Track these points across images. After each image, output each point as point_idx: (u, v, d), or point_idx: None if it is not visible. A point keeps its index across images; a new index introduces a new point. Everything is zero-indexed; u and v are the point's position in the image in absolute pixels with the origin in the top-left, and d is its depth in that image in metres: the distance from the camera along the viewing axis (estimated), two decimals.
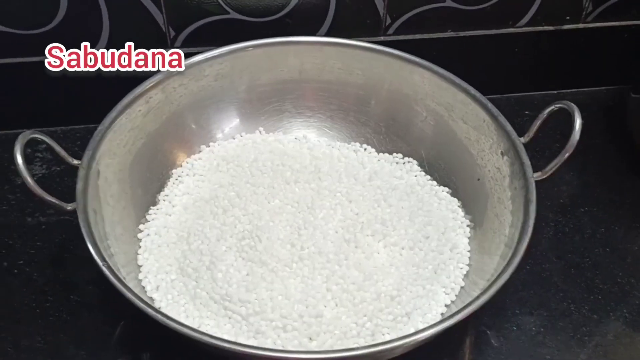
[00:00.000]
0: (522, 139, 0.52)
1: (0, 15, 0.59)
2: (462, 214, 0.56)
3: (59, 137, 0.66)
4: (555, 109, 0.50)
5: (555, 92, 0.75)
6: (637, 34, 0.71)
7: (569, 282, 0.56)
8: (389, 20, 0.66)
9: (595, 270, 0.57)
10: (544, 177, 0.49)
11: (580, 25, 0.70)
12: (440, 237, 0.53)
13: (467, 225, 0.55)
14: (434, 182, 0.59)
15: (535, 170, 0.50)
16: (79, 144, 0.65)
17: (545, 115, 0.51)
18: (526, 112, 0.72)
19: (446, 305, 0.49)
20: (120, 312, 0.50)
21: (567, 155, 0.48)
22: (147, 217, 0.55)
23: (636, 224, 0.61)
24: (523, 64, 0.72)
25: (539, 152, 0.61)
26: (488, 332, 0.52)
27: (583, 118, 0.63)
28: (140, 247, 0.52)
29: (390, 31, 0.67)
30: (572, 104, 0.50)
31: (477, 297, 0.42)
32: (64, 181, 0.62)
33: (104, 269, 0.44)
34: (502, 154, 0.53)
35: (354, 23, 0.66)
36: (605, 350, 0.51)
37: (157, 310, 0.42)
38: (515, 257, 0.44)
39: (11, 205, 0.60)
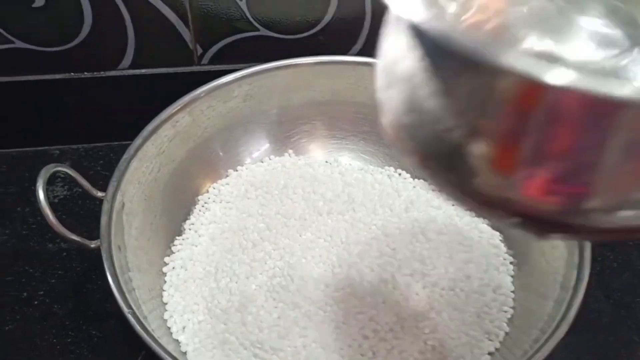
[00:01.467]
0: None
1: (24, 32, 0.57)
2: (505, 249, 0.53)
3: (81, 155, 0.64)
4: None
5: None
6: None
7: (619, 325, 0.52)
8: None
9: None
10: None
11: None
12: (483, 276, 0.50)
13: (510, 263, 0.52)
14: (473, 213, 0.56)
15: None
16: (102, 163, 0.63)
17: None
18: None
19: (490, 354, 0.46)
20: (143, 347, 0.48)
21: None
22: (173, 248, 0.52)
23: None
24: None
25: None
26: None
27: None
28: (165, 282, 0.50)
29: None
30: None
31: (537, 350, 0.39)
32: (86, 204, 0.59)
33: (130, 317, 0.41)
34: None
35: None
36: None
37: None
38: (570, 309, 0.41)
39: (31, 229, 0.57)
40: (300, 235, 0.52)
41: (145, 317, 0.42)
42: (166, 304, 0.48)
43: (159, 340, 0.40)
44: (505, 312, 0.49)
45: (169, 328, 0.47)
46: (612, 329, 0.52)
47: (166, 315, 0.47)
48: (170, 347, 0.42)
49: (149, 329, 0.41)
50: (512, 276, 0.51)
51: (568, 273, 0.45)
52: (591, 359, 0.50)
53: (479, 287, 0.49)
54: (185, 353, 0.45)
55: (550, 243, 0.49)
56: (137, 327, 0.40)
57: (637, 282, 0.55)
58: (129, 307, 0.41)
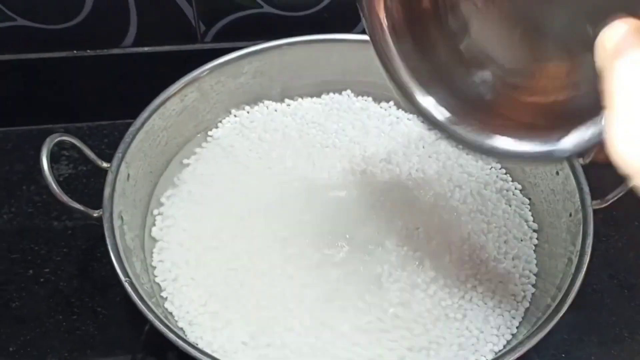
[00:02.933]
0: (582, 160, 0.48)
1: (25, 10, 0.56)
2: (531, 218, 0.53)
3: (85, 134, 0.64)
4: None
5: None
6: None
7: (622, 305, 0.52)
8: None
9: None
10: (603, 205, 0.45)
11: None
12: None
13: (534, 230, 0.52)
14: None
15: (593, 194, 0.46)
16: (106, 142, 0.63)
17: None
18: None
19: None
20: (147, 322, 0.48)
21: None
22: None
23: None
24: None
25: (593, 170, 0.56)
26: (534, 357, 0.49)
27: None
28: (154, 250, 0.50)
29: None
30: None
31: (522, 342, 0.40)
32: (90, 182, 0.60)
33: (127, 285, 0.42)
34: (557, 173, 0.49)
35: None
36: None
37: (180, 337, 0.40)
38: (565, 300, 0.41)
39: (37, 207, 0.58)
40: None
41: (143, 288, 0.43)
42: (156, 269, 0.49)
43: (155, 310, 0.40)
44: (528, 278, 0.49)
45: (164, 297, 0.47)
46: (615, 309, 0.52)
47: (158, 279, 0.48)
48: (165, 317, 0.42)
49: (146, 298, 0.41)
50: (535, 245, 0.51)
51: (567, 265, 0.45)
52: (595, 338, 0.50)
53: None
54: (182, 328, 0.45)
55: (556, 231, 0.49)
56: (133, 296, 0.41)
57: None
58: (127, 275, 0.41)
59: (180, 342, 0.39)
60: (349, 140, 0.57)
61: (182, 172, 0.55)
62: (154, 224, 0.51)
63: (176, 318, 0.46)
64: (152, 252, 0.50)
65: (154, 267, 0.49)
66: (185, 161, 0.55)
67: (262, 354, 0.44)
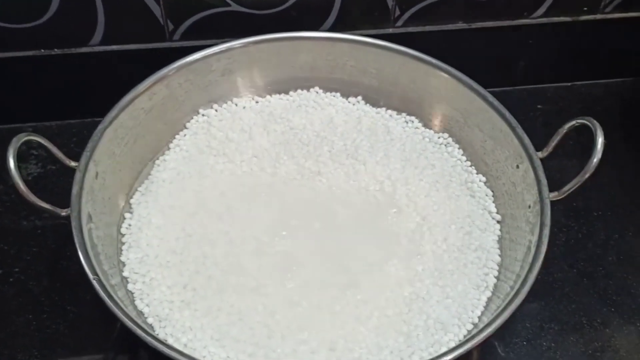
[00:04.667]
0: (540, 154, 0.50)
1: None
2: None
3: (54, 132, 0.64)
4: (577, 124, 0.48)
5: (569, 84, 0.72)
6: None
7: (581, 293, 0.54)
8: (398, 12, 0.63)
9: (608, 280, 0.55)
10: (560, 197, 0.47)
11: (598, 16, 0.67)
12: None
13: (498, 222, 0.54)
14: None
15: (550, 187, 0.48)
16: (75, 140, 0.63)
17: (565, 131, 0.49)
18: (539, 106, 0.69)
19: None
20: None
21: (587, 175, 0.46)
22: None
23: None
24: (537, 56, 0.69)
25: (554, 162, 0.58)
26: (497, 345, 0.51)
27: (596, 111, 0.61)
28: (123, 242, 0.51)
29: (400, 23, 0.64)
30: (595, 121, 0.47)
31: (481, 329, 0.41)
32: (60, 180, 0.59)
33: (95, 282, 0.42)
34: (517, 167, 0.50)
35: (362, 14, 0.63)
36: None
37: (149, 333, 0.41)
38: (522, 288, 0.43)
39: (6, 207, 0.58)
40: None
41: (112, 286, 0.43)
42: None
43: (124, 308, 0.41)
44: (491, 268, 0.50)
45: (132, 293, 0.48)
46: (575, 298, 0.54)
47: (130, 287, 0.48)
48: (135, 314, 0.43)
49: (114, 295, 0.42)
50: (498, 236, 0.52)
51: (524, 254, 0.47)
52: (555, 326, 0.52)
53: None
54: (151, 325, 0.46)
55: (516, 222, 0.50)
56: (102, 293, 0.41)
57: (600, 252, 0.57)
58: (95, 273, 0.42)
59: (149, 339, 0.40)
60: (316, 135, 0.58)
61: (151, 171, 0.55)
62: (122, 222, 0.52)
63: (145, 315, 0.46)
64: (121, 249, 0.50)
65: (124, 264, 0.49)
66: (154, 160, 0.56)
67: (231, 348, 0.45)
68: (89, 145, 0.49)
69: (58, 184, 0.59)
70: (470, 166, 0.57)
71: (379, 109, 0.60)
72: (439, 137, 0.58)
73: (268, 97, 0.61)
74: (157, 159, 0.56)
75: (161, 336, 0.45)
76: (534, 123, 0.67)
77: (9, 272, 0.53)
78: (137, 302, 0.47)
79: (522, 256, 0.46)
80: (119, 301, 0.41)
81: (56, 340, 0.49)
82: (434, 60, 0.56)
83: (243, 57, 0.58)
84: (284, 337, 0.45)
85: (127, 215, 0.52)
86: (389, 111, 0.60)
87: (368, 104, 0.61)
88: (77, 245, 0.44)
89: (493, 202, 0.54)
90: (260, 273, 0.48)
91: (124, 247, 0.50)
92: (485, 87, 0.55)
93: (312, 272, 0.48)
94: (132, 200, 0.53)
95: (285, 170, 0.55)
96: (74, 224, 0.45)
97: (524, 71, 0.70)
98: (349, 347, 0.45)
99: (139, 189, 0.54)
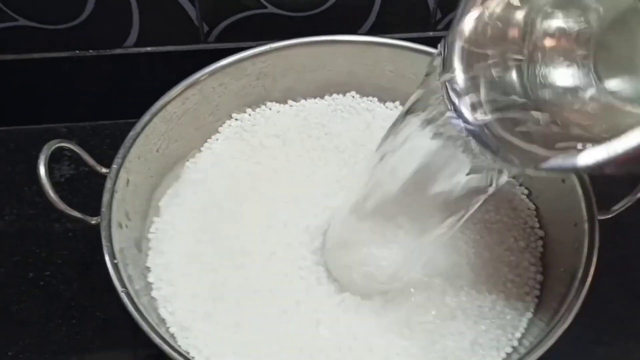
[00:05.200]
0: None
1: (27, 10, 0.56)
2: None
3: (87, 133, 0.63)
4: None
5: None
6: None
7: (629, 315, 0.51)
8: (439, 15, 0.61)
9: None
10: (610, 216, 0.44)
11: None
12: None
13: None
14: None
15: (599, 204, 0.45)
16: (108, 142, 0.63)
17: None
18: None
19: None
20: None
21: (639, 194, 0.43)
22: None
23: None
24: None
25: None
26: None
27: None
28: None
29: (441, 26, 0.61)
30: None
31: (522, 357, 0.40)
32: (92, 182, 0.59)
33: (123, 296, 0.41)
34: (563, 181, 0.48)
35: (402, 17, 0.60)
36: None
37: (173, 347, 0.39)
38: (569, 314, 0.40)
39: (38, 209, 0.57)
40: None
41: (137, 292, 0.43)
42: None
43: (151, 322, 0.40)
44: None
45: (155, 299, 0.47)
46: (622, 319, 0.51)
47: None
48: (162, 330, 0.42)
49: (142, 310, 0.41)
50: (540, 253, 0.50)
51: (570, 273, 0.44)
52: (599, 349, 0.49)
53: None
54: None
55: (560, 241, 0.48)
56: (130, 307, 0.41)
57: None
58: (124, 286, 0.41)
59: (176, 355, 0.39)
60: (352, 142, 0.56)
61: (181, 177, 0.54)
62: (150, 225, 0.51)
63: (168, 324, 0.45)
64: (147, 254, 0.49)
65: (149, 269, 0.48)
66: (185, 165, 0.55)
67: None
68: (121, 152, 0.48)
69: (90, 186, 0.59)
70: (512, 177, 0.54)
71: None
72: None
73: (303, 101, 0.59)
74: (188, 161, 0.55)
75: (183, 347, 0.44)
76: None
77: (40, 276, 0.53)
78: (161, 310, 0.46)
79: (567, 277, 0.44)
80: (147, 315, 0.41)
81: (84, 347, 0.49)
82: None
83: (279, 60, 0.56)
84: (312, 357, 0.43)
85: (155, 219, 0.51)
86: None
87: None
88: (107, 257, 0.43)
89: (536, 217, 0.52)
90: (290, 287, 0.46)
91: (150, 252, 0.49)
92: None
93: (345, 287, 0.46)
94: (160, 204, 0.52)
95: (320, 177, 0.54)
96: (103, 234, 0.44)
97: None
98: None
99: (168, 192, 0.53)
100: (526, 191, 0.53)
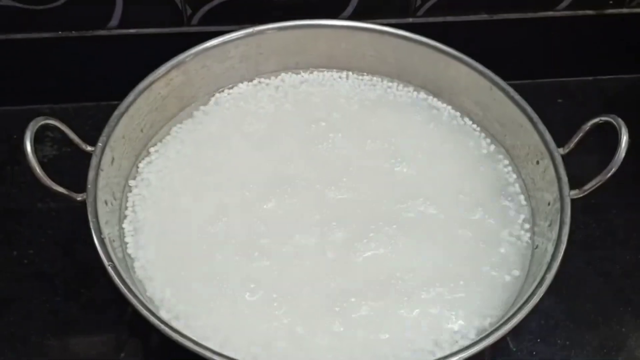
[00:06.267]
0: (561, 150, 0.49)
1: None
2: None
3: (70, 115, 0.64)
4: (600, 122, 0.47)
5: (591, 78, 0.71)
6: None
7: (597, 292, 0.53)
8: (419, 1, 0.62)
9: (626, 279, 0.54)
10: (581, 195, 0.46)
11: (624, 10, 0.65)
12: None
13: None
14: None
15: (570, 183, 0.47)
16: (91, 123, 0.63)
17: (587, 128, 0.48)
18: (559, 100, 0.68)
19: None
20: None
21: (609, 174, 0.45)
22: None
23: None
24: (559, 49, 0.68)
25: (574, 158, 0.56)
26: (509, 340, 0.50)
27: (618, 107, 0.59)
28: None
29: (420, 12, 0.63)
30: (619, 119, 0.46)
31: (498, 327, 0.41)
32: (75, 163, 0.58)
33: (110, 269, 0.42)
34: (537, 163, 0.49)
35: (382, 3, 0.62)
36: None
37: (164, 322, 0.40)
38: (540, 287, 0.42)
39: (21, 188, 0.58)
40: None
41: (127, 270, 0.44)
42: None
43: (139, 295, 0.41)
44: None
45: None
46: (591, 296, 0.53)
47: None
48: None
49: (129, 282, 0.41)
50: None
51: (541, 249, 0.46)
52: (569, 325, 0.51)
53: None
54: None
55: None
56: (116, 280, 0.41)
57: (619, 251, 0.56)
58: (110, 259, 0.42)
59: (165, 328, 0.40)
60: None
61: (159, 148, 0.55)
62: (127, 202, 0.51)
63: (156, 301, 0.46)
64: (125, 230, 0.50)
65: (127, 243, 0.49)
66: (164, 140, 0.55)
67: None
68: (106, 130, 0.49)
69: (73, 166, 0.58)
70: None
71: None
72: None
73: (283, 74, 0.60)
74: (165, 138, 0.55)
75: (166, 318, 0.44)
76: (554, 117, 0.65)
77: (24, 254, 0.53)
78: (147, 287, 0.47)
79: (540, 254, 0.45)
80: (134, 288, 0.41)
81: (69, 323, 0.50)
82: (454, 52, 0.55)
83: (261, 44, 0.57)
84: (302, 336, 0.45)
85: (130, 195, 0.51)
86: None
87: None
88: (93, 232, 0.44)
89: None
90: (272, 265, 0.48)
91: (127, 231, 0.50)
92: (505, 79, 0.55)
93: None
94: (135, 181, 0.52)
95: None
96: (89, 209, 0.45)
97: (544, 64, 0.69)
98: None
99: (140, 165, 0.53)
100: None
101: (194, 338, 0.40)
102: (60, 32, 0.59)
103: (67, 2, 0.57)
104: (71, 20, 0.59)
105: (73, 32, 0.60)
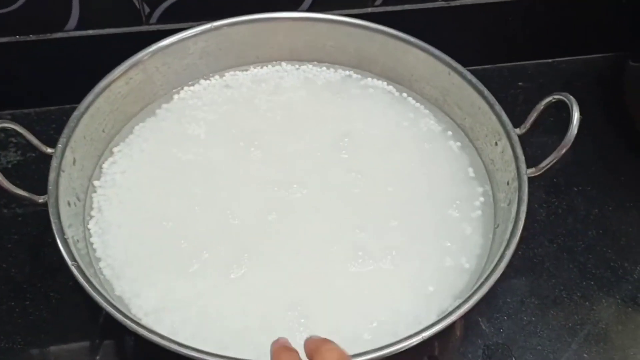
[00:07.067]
0: (518, 130, 0.50)
1: None
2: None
3: (33, 120, 0.63)
4: (553, 100, 0.48)
5: (549, 60, 0.72)
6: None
7: (561, 268, 0.55)
8: None
9: (588, 254, 0.56)
10: (538, 173, 0.47)
11: None
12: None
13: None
14: None
15: (532, 163, 0.48)
16: (54, 127, 0.63)
17: (542, 107, 0.49)
18: (519, 83, 0.69)
19: None
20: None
21: (563, 151, 0.46)
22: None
23: (630, 204, 0.59)
24: (516, 33, 0.69)
25: (535, 139, 0.57)
26: (480, 320, 0.51)
27: (577, 88, 0.61)
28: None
29: (378, 2, 0.63)
30: (571, 96, 0.47)
31: (460, 306, 0.41)
32: (40, 168, 0.59)
33: (73, 269, 0.42)
34: (496, 144, 0.50)
35: None
36: (597, 339, 0.51)
37: (135, 322, 0.40)
38: (500, 264, 0.43)
39: None
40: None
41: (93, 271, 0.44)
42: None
43: (105, 294, 0.41)
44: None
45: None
46: (555, 272, 0.54)
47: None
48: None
49: (94, 281, 0.42)
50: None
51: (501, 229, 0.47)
52: (535, 300, 0.52)
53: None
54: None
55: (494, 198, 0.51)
56: (81, 279, 0.41)
57: (580, 227, 0.57)
58: (73, 259, 0.42)
59: (134, 326, 0.40)
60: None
61: (123, 150, 0.55)
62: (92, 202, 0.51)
63: (125, 300, 0.46)
64: (91, 231, 0.50)
65: (92, 245, 0.49)
66: (127, 139, 0.55)
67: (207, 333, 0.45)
68: (65, 131, 0.49)
69: (38, 171, 0.59)
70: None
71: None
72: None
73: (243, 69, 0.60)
74: (128, 138, 0.55)
75: (134, 311, 0.45)
76: (515, 100, 0.67)
77: None
78: (115, 286, 0.47)
79: (500, 233, 0.46)
80: (98, 287, 0.41)
81: (40, 327, 0.50)
82: (412, 39, 0.56)
83: (220, 38, 0.58)
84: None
85: (95, 195, 0.51)
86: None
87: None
88: (55, 232, 0.44)
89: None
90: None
91: (93, 231, 0.50)
92: (465, 65, 0.55)
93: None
94: (99, 181, 0.52)
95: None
96: (51, 210, 0.45)
97: (504, 49, 0.70)
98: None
99: (104, 165, 0.54)
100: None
101: (165, 334, 0.40)
102: (17, 37, 0.59)
103: (23, 5, 0.57)
104: (29, 23, 0.58)
105: (31, 35, 0.59)
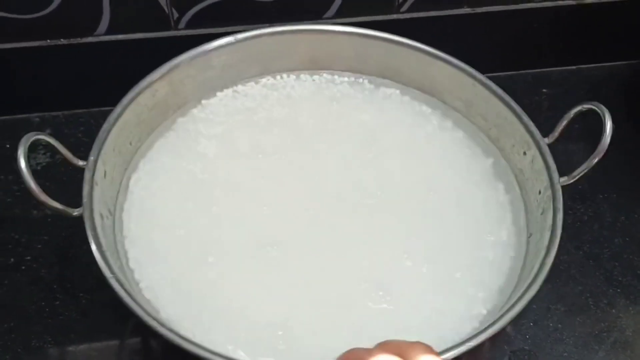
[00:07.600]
0: (547, 139, 0.50)
1: None
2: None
3: (61, 122, 0.64)
4: (584, 109, 0.48)
5: (574, 67, 0.72)
6: None
7: (587, 275, 0.54)
8: None
9: (614, 261, 0.55)
10: (571, 182, 0.47)
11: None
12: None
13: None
14: None
15: (559, 171, 0.48)
16: (82, 130, 0.63)
17: (571, 116, 0.49)
18: (544, 90, 0.69)
19: None
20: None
21: (596, 160, 0.46)
22: None
23: None
24: (541, 40, 0.69)
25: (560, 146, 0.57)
26: (506, 328, 0.51)
27: (602, 95, 0.60)
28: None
29: (404, 8, 0.64)
30: (602, 106, 0.47)
31: (502, 316, 0.42)
32: (69, 170, 0.59)
33: (112, 282, 0.42)
34: (524, 154, 0.50)
35: (367, 0, 0.63)
36: (624, 347, 0.50)
37: (169, 328, 0.41)
38: (541, 273, 0.43)
39: (15, 197, 0.58)
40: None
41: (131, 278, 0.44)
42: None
43: (143, 305, 0.41)
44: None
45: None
46: (581, 279, 0.54)
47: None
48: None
49: (132, 293, 0.42)
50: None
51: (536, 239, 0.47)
52: (561, 307, 0.52)
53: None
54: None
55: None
56: (122, 292, 0.41)
57: (606, 234, 0.57)
58: (112, 272, 0.42)
59: (169, 334, 0.40)
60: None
61: (148, 163, 0.55)
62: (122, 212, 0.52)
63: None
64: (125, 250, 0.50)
65: (126, 254, 0.49)
66: (151, 152, 0.55)
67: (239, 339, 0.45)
68: (96, 144, 0.49)
69: (67, 174, 0.59)
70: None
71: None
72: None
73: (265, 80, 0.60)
74: (156, 146, 0.56)
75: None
76: (539, 107, 0.67)
77: (21, 261, 0.54)
78: (145, 293, 0.47)
79: (534, 242, 0.46)
80: (136, 298, 0.42)
81: (69, 327, 0.50)
82: (436, 51, 0.56)
83: (243, 51, 0.57)
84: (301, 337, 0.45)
85: (126, 205, 0.52)
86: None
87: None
88: (94, 246, 0.43)
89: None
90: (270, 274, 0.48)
91: (125, 241, 0.50)
92: (489, 72, 0.56)
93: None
94: (126, 194, 0.52)
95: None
96: (88, 224, 0.44)
97: (528, 55, 0.70)
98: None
99: (131, 177, 0.54)
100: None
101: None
102: (49, 41, 0.60)
103: (54, 10, 0.58)
104: (59, 28, 0.59)
105: (62, 40, 0.60)
